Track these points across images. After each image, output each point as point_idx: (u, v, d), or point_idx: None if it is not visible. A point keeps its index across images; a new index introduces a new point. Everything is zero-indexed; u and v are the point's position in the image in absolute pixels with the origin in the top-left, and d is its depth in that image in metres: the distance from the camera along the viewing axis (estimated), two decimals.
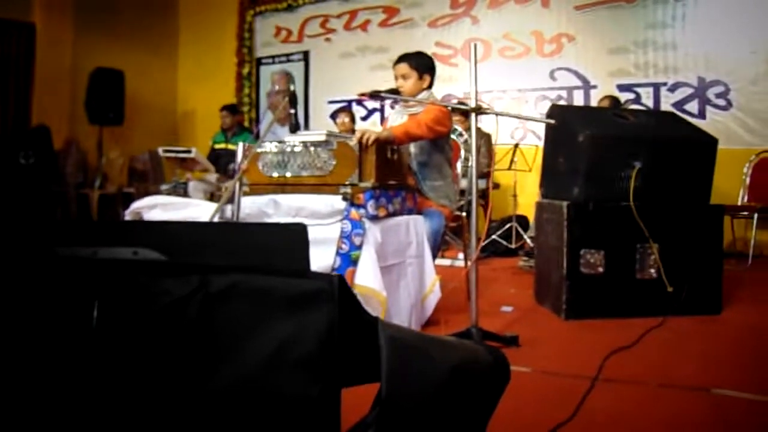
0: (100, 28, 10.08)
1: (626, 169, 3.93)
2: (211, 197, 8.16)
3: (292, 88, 3.25)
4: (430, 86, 4.09)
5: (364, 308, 1.45)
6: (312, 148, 3.31)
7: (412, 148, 3.87)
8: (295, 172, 3.37)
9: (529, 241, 6.78)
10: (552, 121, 3.22)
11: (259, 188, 3.42)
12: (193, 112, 11.61)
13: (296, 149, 3.36)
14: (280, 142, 3.41)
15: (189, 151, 7.59)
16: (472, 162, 3.18)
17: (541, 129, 8.03)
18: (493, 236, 7.08)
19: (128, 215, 3.79)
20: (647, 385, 2.69)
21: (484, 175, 6.85)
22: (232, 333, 1.31)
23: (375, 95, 3.49)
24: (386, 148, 3.38)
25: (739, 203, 6.95)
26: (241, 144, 3.23)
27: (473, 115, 3.07)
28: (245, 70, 10.93)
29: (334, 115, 9.45)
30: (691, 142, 4.19)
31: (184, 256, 1.45)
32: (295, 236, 1.51)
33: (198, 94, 11.40)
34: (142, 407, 1.26)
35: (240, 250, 1.48)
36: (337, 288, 1.37)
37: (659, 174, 3.99)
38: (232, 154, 8.43)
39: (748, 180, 7.11)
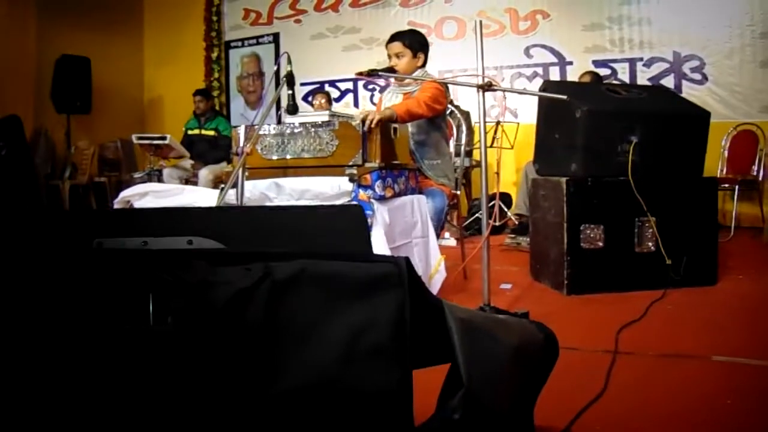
0: (63, 14, 9.81)
1: (623, 143, 3.92)
2: (186, 184, 8.04)
3: (289, 68, 3.15)
4: (424, 64, 4.03)
5: (428, 289, 1.41)
6: (313, 130, 3.24)
7: (410, 127, 3.81)
8: (295, 155, 3.30)
9: (513, 218, 6.77)
10: (564, 97, 3.17)
11: (258, 172, 3.35)
12: (160, 98, 11.41)
13: (296, 131, 3.28)
14: (279, 123, 3.34)
15: (164, 138, 7.48)
16: (482, 140, 3.13)
17: (520, 107, 8.06)
18: (477, 214, 7.06)
19: (117, 204, 3.70)
20: (663, 356, 2.75)
21: (466, 153, 6.82)
22: (301, 324, 1.24)
23: (372, 74, 3.42)
24: (389, 128, 3.32)
25: (718, 176, 6.99)
26: (242, 126, 3.14)
27: (480, 92, 3.02)
28: (214, 54, 10.76)
29: (306, 97, 9.35)
30: (685, 116, 4.20)
31: (241, 243, 1.39)
32: (353, 217, 1.45)
33: (165, 79, 11.20)
34: (209, 411, 1.19)
35: (297, 235, 1.42)
36: (405, 270, 1.32)
37: (655, 148, 3.99)
38: (207, 139, 8.32)
39: (726, 153, 7.17)
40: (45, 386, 1.20)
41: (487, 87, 2.97)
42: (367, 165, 3.10)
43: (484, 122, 3.11)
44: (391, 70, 3.84)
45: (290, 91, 3.32)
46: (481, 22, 3.12)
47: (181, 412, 1.20)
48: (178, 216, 1.48)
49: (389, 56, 4.00)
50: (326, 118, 3.25)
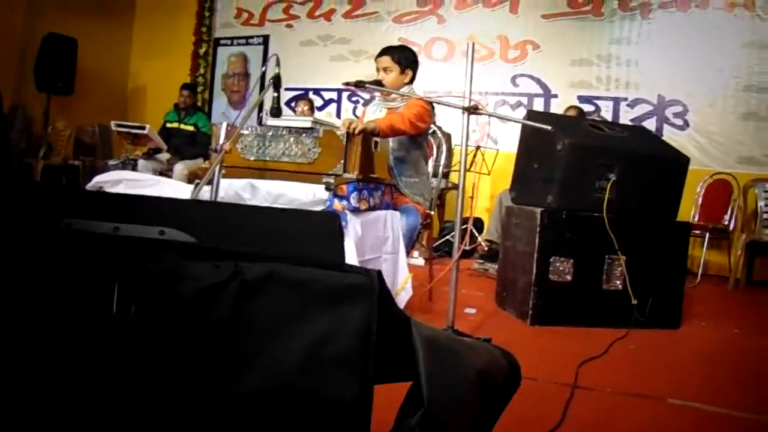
0: None
1: (601, 180, 3.95)
2: (161, 176, 7.97)
3: (277, 70, 3.14)
4: (411, 81, 4.01)
5: (397, 305, 1.39)
6: (296, 135, 3.22)
7: (391, 142, 3.79)
8: (275, 157, 3.28)
9: (483, 243, 6.77)
10: (549, 127, 3.18)
11: (235, 171, 3.32)
12: (144, 88, 11.33)
13: (279, 134, 3.26)
14: (260, 124, 3.32)
15: (143, 128, 7.42)
16: (462, 161, 3.13)
17: (501, 134, 8.09)
18: (447, 237, 7.07)
19: (89, 189, 3.64)
20: (621, 394, 2.76)
21: (443, 174, 6.82)
22: (266, 327, 1.22)
23: (359, 85, 3.41)
24: (370, 141, 3.31)
25: (691, 222, 7.05)
26: (224, 123, 3.12)
27: (466, 114, 3.02)
28: (202, 50, 10.70)
29: (289, 102, 9.32)
30: (665, 159, 4.24)
31: (212, 239, 1.36)
32: (329, 225, 1.43)
33: (151, 69, 11.12)
34: (164, 406, 1.17)
35: (271, 236, 1.40)
36: (376, 283, 1.31)
37: (632, 187, 4.01)
38: (185, 134, 8.27)
39: (700, 200, 7.24)
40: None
41: (472, 110, 2.97)
42: (345, 175, 3.08)
43: (466, 144, 3.12)
44: (378, 83, 3.83)
45: (276, 94, 3.30)
46: (473, 44, 3.12)
47: (137, 404, 1.18)
48: (151, 205, 1.45)
49: (378, 69, 3.98)
50: (310, 125, 3.23)
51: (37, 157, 9.24)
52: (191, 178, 7.85)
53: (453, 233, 7.09)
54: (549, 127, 3.18)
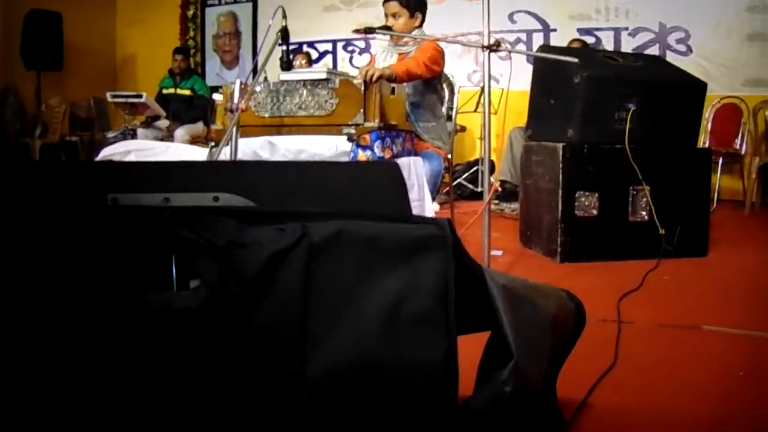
0: None
1: (621, 111, 3.87)
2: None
3: (283, 23, 3.04)
4: (421, 24, 3.90)
5: (468, 254, 1.32)
6: (310, 87, 3.12)
7: (406, 87, 3.69)
8: (291, 112, 3.18)
9: (497, 183, 6.70)
10: (576, 60, 3.08)
11: (249, 130, 3.22)
12: (133, 57, 11.15)
13: (292, 88, 3.16)
14: (264, 81, 3.23)
15: (140, 96, 7.31)
16: (486, 104, 3.04)
17: (504, 72, 7.92)
18: (459, 179, 7.00)
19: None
20: (667, 326, 2.73)
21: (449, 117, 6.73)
22: (339, 292, 1.15)
23: (369, 31, 3.31)
24: (388, 87, 3.21)
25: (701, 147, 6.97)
26: (237, 81, 3.01)
27: (486, 53, 2.92)
28: (190, 12, 10.51)
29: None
30: (682, 85, 4.16)
31: (270, 201, 1.28)
32: (389, 174, 1.35)
33: (138, 37, 10.93)
34: (239, 387, 1.09)
35: (330, 193, 1.32)
36: (449, 233, 1.23)
37: (652, 116, 3.94)
38: (182, 99, 8.15)
39: (709, 125, 7.14)
40: (55, 362, 1.09)
41: (494, 47, 2.87)
42: (367, 124, 2.99)
43: (489, 87, 3.02)
44: (387, 29, 3.71)
45: (284, 47, 3.20)
46: None
47: (209, 391, 1.10)
48: (201, 170, 1.37)
49: (386, 15, 3.85)
50: (324, 76, 3.13)
51: (33, 136, 9.14)
52: (193, 142, 7.77)
53: (464, 175, 7.10)
54: (576, 60, 3.08)
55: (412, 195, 3.38)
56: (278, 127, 3.20)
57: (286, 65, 3.21)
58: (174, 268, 1.17)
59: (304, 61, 8.07)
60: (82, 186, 1.31)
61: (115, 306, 1.13)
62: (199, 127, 8.14)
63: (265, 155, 3.11)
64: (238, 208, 1.25)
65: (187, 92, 8.29)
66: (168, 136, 7.95)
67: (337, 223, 1.18)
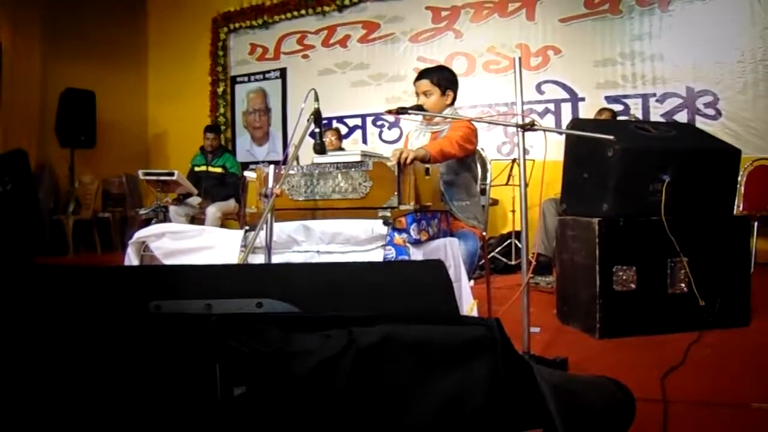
0: (68, 47, 9.80)
1: (655, 182, 3.83)
2: (192, 221, 7.96)
3: (316, 105, 3.06)
4: (453, 101, 3.91)
5: (516, 351, 1.29)
6: (345, 170, 3.12)
7: (440, 167, 3.68)
8: (325, 196, 3.18)
9: (532, 258, 6.64)
10: (611, 137, 3.07)
11: (284, 214, 3.22)
12: (164, 134, 11.36)
13: (326, 171, 3.17)
14: (309, 164, 3.24)
15: (171, 174, 7.37)
16: (522, 180, 3.02)
17: (534, 143, 7.95)
18: (493, 253, 6.95)
19: (131, 245, 3.58)
20: (711, 405, 2.64)
21: (482, 191, 6.72)
22: (391, 396, 1.12)
23: (402, 112, 3.31)
24: (422, 169, 3.20)
25: (735, 212, 6.90)
26: (271, 167, 3.03)
27: (521, 132, 2.92)
28: (220, 89, 10.70)
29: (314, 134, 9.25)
30: (716, 153, 4.12)
31: (314, 305, 1.26)
32: (434, 272, 1.33)
33: (169, 114, 11.17)
34: None
35: (376, 294, 1.29)
36: (497, 333, 1.21)
37: (686, 186, 3.90)
38: (214, 176, 8.23)
39: (742, 189, 7.07)
40: None
41: (528, 127, 2.87)
42: (402, 207, 2.97)
43: (524, 163, 3.01)
44: (419, 107, 3.72)
45: (318, 130, 3.21)
46: (520, 58, 3.02)
47: None
48: (243, 274, 1.36)
49: (417, 93, 3.88)
50: (359, 158, 3.13)
51: (66, 213, 9.27)
52: (224, 220, 7.82)
53: (497, 249, 7.05)
54: (611, 137, 3.06)
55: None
56: (312, 210, 3.20)
57: (320, 148, 3.22)
58: (218, 377, 1.15)
59: (334, 138, 8.14)
60: (125, 292, 1.30)
61: (161, 418, 1.11)
62: (231, 204, 8.20)
63: (301, 239, 3.10)
64: (283, 314, 1.23)
65: (219, 170, 8.37)
66: (200, 213, 8.01)
67: (384, 328, 1.17)
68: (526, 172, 3.08)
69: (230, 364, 1.15)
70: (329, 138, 8.09)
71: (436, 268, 1.34)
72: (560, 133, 6.50)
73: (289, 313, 1.23)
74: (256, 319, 1.19)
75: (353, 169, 3.10)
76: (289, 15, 10.07)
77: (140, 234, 3.56)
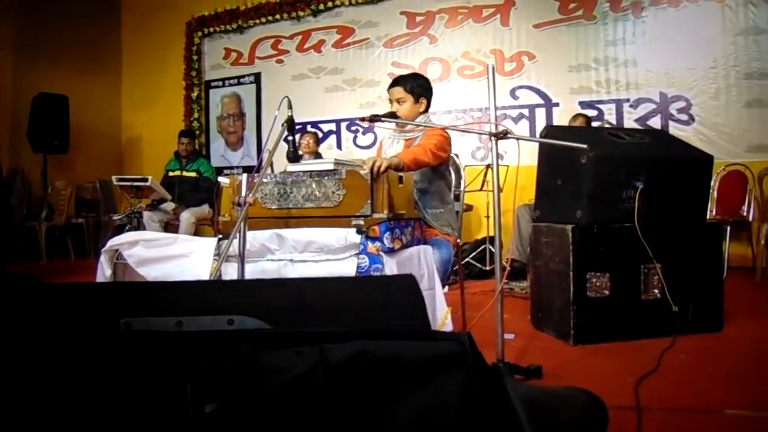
0: (41, 51, 9.70)
1: (628, 189, 3.86)
2: (166, 226, 7.91)
3: (289, 113, 3.05)
4: (426, 109, 3.90)
5: (488, 365, 1.29)
6: (317, 178, 3.11)
7: (413, 175, 3.67)
8: (298, 204, 3.17)
9: (506, 263, 6.66)
10: (585, 146, 3.08)
11: (257, 222, 3.20)
12: (138, 138, 11.29)
13: (299, 179, 3.16)
14: (282, 172, 3.22)
15: (145, 180, 7.33)
16: (495, 188, 3.02)
17: (508, 149, 7.99)
18: (467, 258, 6.96)
19: (104, 253, 3.54)
20: (685, 411, 2.67)
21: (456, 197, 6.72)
22: (361, 413, 1.12)
23: (375, 119, 3.30)
24: (395, 177, 3.20)
25: (708, 217, 6.96)
26: (244, 175, 3.01)
27: (494, 140, 2.92)
28: (194, 94, 10.64)
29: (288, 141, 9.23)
30: (689, 160, 4.15)
31: (286, 321, 1.25)
32: (406, 287, 1.33)
33: (143, 119, 11.11)
34: None
35: (347, 309, 1.29)
36: (469, 348, 1.21)
37: (659, 193, 3.93)
38: (188, 181, 8.18)
39: (715, 193, 7.13)
40: None
41: (501, 135, 2.87)
42: (375, 216, 2.96)
43: (497, 171, 3.01)
44: (392, 115, 3.71)
45: (291, 138, 3.20)
46: (494, 66, 3.03)
47: None
48: (214, 291, 1.34)
49: (390, 101, 3.87)
50: (332, 167, 3.12)
51: (39, 219, 9.16)
52: (198, 225, 7.77)
53: (472, 254, 7.07)
54: (585, 146, 3.08)
55: (423, 284, 3.34)
56: (286, 219, 3.18)
57: (293, 156, 3.21)
58: (190, 395, 1.14)
59: (312, 141, 8.12)
60: (95, 309, 1.29)
61: None
62: (205, 209, 8.15)
63: (274, 247, 3.09)
64: (254, 331, 1.22)
65: (193, 174, 8.32)
66: (174, 219, 7.96)
67: (355, 344, 1.16)
68: (500, 177, 3.08)
69: (201, 382, 1.14)
70: (307, 141, 8.06)
71: (407, 282, 1.33)
72: (532, 141, 6.54)
73: (261, 330, 1.23)
74: (228, 337, 1.18)
75: (326, 178, 3.09)
76: (263, 20, 10.05)
77: (113, 242, 3.52)
